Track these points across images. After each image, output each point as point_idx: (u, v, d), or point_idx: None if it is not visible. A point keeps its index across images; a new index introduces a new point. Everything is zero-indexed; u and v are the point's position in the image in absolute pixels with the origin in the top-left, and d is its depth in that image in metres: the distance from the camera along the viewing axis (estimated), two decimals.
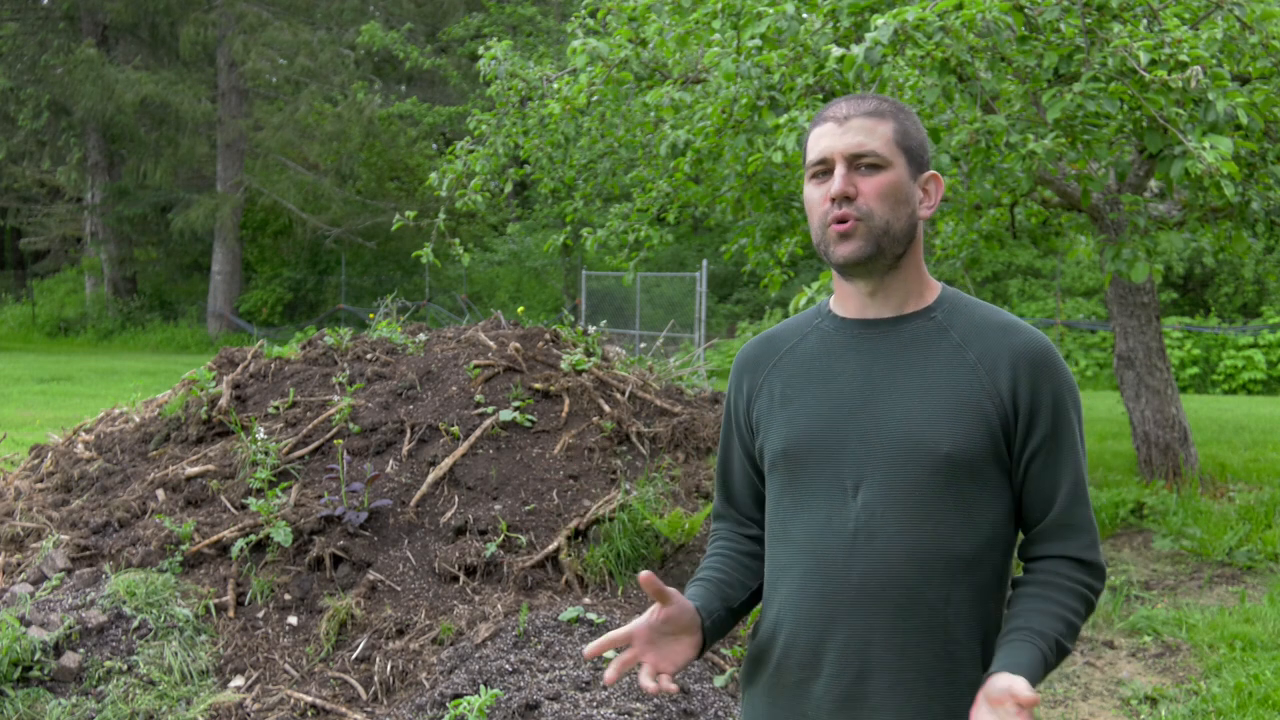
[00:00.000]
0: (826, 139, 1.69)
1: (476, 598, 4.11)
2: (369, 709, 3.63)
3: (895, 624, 1.64)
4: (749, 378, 1.83)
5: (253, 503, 4.37)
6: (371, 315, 7.32)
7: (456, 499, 4.57)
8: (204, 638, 3.92)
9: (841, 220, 1.67)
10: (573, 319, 6.25)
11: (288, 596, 4.14)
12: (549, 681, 3.49)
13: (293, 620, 4.05)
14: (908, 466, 1.64)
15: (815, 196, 1.70)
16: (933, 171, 1.75)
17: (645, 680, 1.63)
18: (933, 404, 1.65)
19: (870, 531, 1.64)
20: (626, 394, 5.29)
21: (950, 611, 1.64)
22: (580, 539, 4.43)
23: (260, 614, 4.07)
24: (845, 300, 1.77)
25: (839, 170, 1.67)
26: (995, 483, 1.67)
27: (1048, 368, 1.67)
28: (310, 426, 4.93)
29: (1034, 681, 1.55)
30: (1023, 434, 1.66)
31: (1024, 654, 1.58)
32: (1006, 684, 1.51)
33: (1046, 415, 1.66)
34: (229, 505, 4.56)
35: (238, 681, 3.78)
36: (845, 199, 1.66)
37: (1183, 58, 4.25)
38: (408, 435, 4.88)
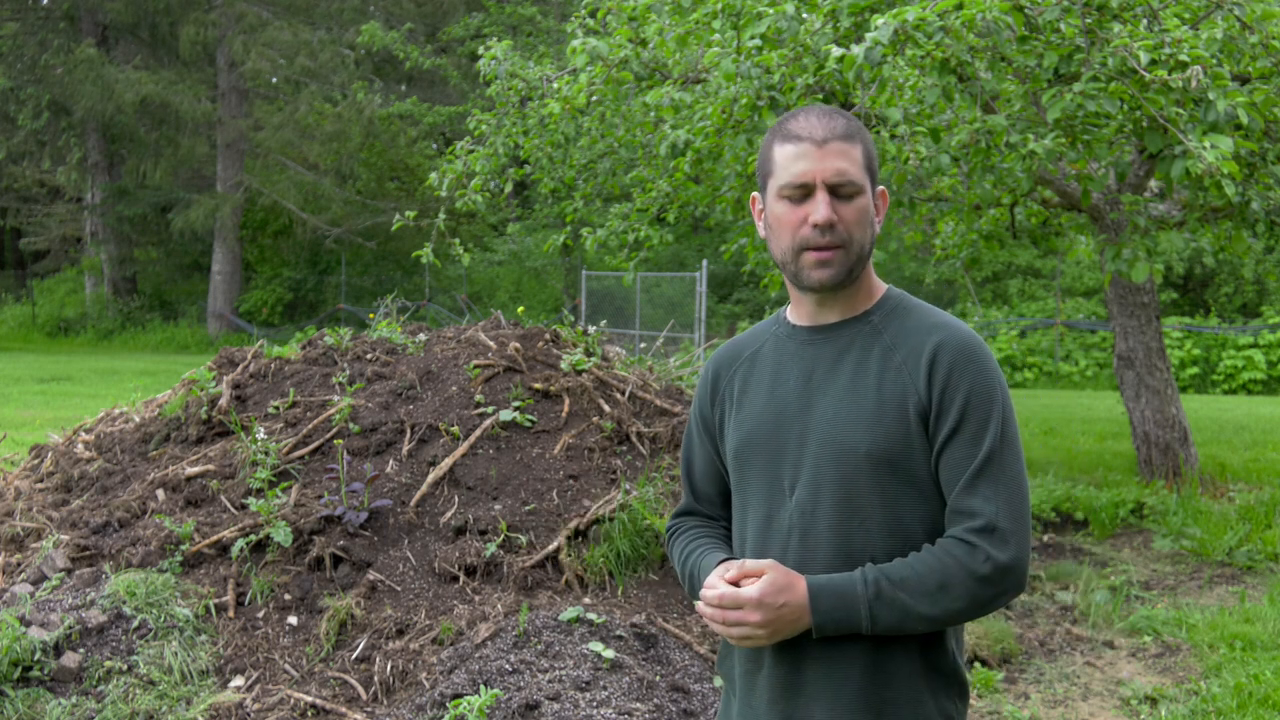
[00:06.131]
0: (805, 162, 1.69)
1: (476, 598, 4.11)
2: (369, 709, 3.63)
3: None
4: (715, 382, 1.91)
5: (253, 503, 4.37)
6: (371, 315, 7.32)
7: (456, 499, 4.57)
8: (204, 638, 3.92)
9: (824, 248, 1.69)
10: (573, 319, 6.24)
11: (288, 596, 4.14)
12: (549, 681, 3.49)
13: (293, 620, 4.05)
14: (831, 467, 1.70)
15: (790, 218, 1.71)
16: (881, 186, 1.81)
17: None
18: (857, 406, 1.70)
19: (802, 530, 1.71)
20: (626, 394, 5.29)
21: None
22: (580, 539, 4.43)
23: (260, 614, 4.07)
24: (798, 307, 1.83)
25: (822, 197, 1.69)
26: (924, 483, 1.70)
27: (966, 362, 1.68)
28: (310, 426, 4.92)
29: (824, 591, 1.62)
30: (934, 425, 1.68)
31: (836, 578, 1.65)
32: (784, 571, 1.64)
33: (956, 405, 1.67)
34: (229, 505, 4.56)
35: (238, 681, 3.78)
36: (829, 226, 1.69)
37: (1183, 58, 4.25)
38: (408, 435, 4.88)
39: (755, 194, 1.83)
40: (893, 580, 1.63)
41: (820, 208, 1.68)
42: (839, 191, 1.69)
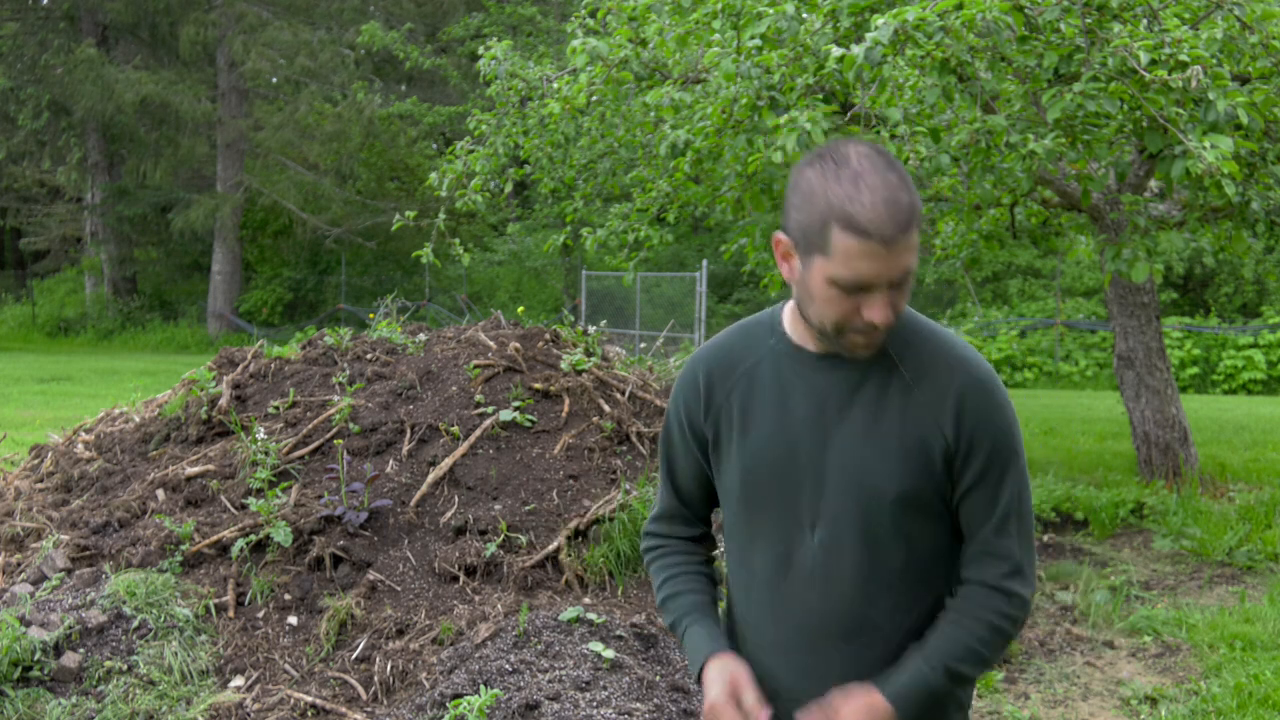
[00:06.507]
0: (870, 264, 1.54)
1: (476, 598, 4.11)
2: (369, 709, 3.63)
3: (851, 653, 1.73)
4: (709, 393, 1.80)
5: (253, 503, 4.37)
6: (371, 315, 7.32)
7: (456, 499, 4.57)
8: (204, 638, 3.92)
9: (873, 333, 1.63)
10: (573, 319, 6.25)
11: (288, 596, 4.14)
12: (549, 681, 3.49)
13: (293, 620, 4.05)
14: (858, 508, 1.68)
15: (841, 305, 1.59)
16: None
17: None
18: (883, 447, 1.67)
19: (826, 568, 1.71)
20: (626, 394, 5.29)
21: (902, 634, 1.73)
22: (580, 539, 4.43)
23: (260, 614, 4.07)
24: (803, 327, 1.73)
25: (883, 298, 1.58)
26: (938, 509, 1.71)
27: (989, 403, 1.68)
28: (310, 426, 4.93)
29: (906, 700, 1.65)
30: (961, 467, 1.68)
31: (904, 675, 1.67)
32: (862, 699, 1.66)
33: (984, 450, 1.67)
34: (229, 505, 4.56)
35: (238, 681, 3.78)
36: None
37: (1183, 58, 4.25)
38: (408, 435, 4.88)
39: (781, 236, 1.65)
40: (957, 657, 1.68)
41: (881, 309, 1.58)
42: (896, 284, 1.59)
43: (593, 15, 7.11)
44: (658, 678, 3.65)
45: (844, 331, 1.62)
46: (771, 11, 4.72)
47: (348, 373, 5.41)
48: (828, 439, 1.69)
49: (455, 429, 4.88)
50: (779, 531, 1.73)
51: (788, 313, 1.77)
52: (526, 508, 4.51)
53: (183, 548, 4.25)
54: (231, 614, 4.04)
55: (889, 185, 1.54)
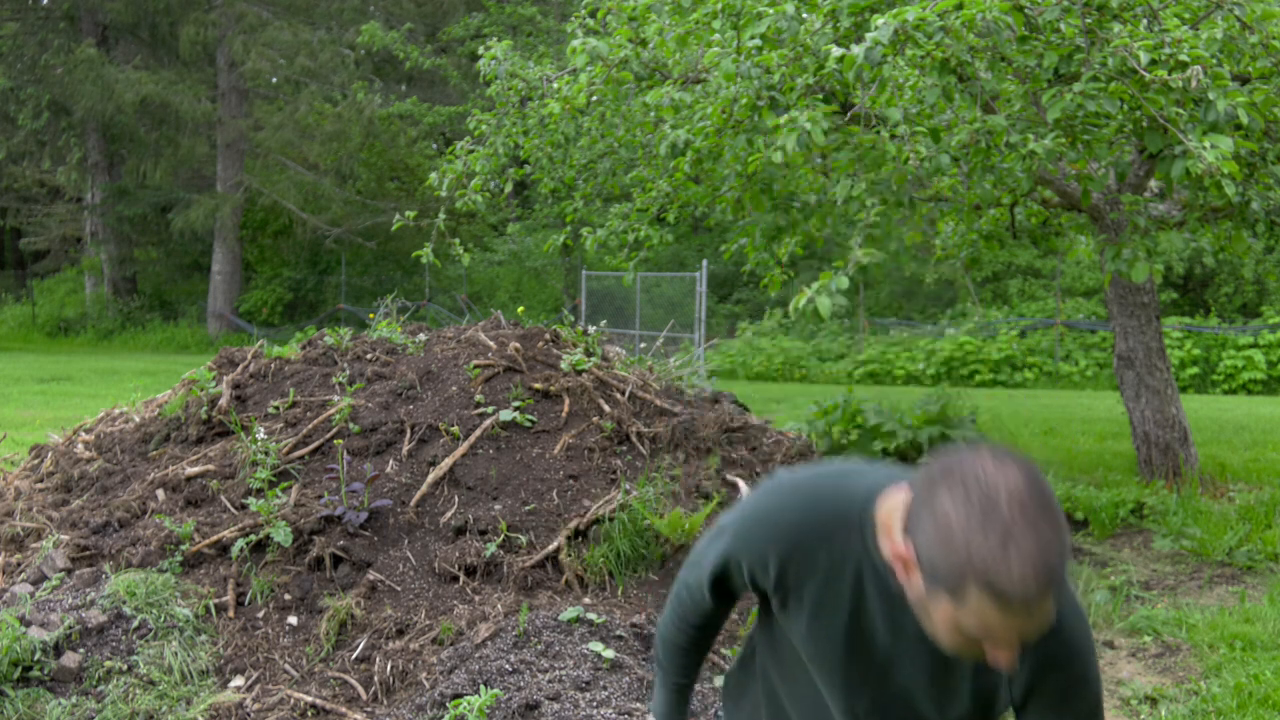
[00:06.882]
0: (1006, 625, 1.38)
1: (476, 598, 4.11)
2: (369, 709, 3.63)
3: None
4: (779, 573, 1.69)
5: (253, 503, 4.37)
6: (371, 315, 7.32)
7: (456, 499, 4.57)
8: (204, 638, 3.92)
9: None
10: (573, 319, 6.25)
11: (288, 596, 4.14)
12: (549, 681, 3.49)
13: (293, 620, 4.05)
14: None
15: (965, 644, 1.47)
16: None
17: None
18: (949, 689, 1.64)
19: None
20: (626, 394, 5.30)
21: None
22: (580, 539, 4.43)
23: (260, 614, 4.07)
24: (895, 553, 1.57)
25: (1011, 648, 1.45)
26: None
27: (1067, 679, 1.60)
28: (310, 426, 4.92)
29: None
30: (1034, 716, 1.65)
31: None
32: None
33: (1063, 712, 1.63)
34: (229, 505, 4.56)
35: (238, 681, 3.78)
36: None
37: (1183, 58, 4.25)
38: (408, 435, 4.88)
39: (905, 548, 1.47)
40: None
41: (1007, 659, 1.45)
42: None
43: (593, 15, 7.11)
44: None
45: (962, 651, 1.50)
46: (771, 11, 4.72)
47: (348, 373, 5.41)
48: (896, 662, 1.65)
49: (455, 429, 4.88)
50: (835, 705, 1.73)
51: (882, 522, 1.58)
52: (526, 508, 4.51)
53: (183, 548, 4.25)
54: (231, 614, 4.04)
55: (1042, 543, 1.34)
